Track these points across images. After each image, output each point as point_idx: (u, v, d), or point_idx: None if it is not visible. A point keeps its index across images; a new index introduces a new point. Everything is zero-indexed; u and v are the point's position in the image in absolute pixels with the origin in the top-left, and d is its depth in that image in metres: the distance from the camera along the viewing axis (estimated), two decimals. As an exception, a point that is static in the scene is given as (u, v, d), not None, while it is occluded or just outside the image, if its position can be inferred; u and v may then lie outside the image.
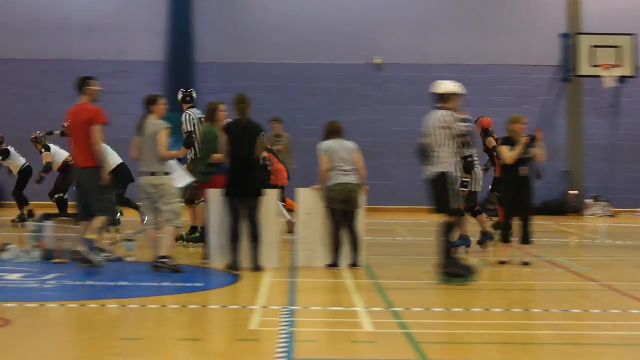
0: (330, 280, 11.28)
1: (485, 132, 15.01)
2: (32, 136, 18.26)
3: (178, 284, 10.62)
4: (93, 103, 11.97)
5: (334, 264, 11.95)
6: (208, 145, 12.41)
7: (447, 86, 11.14)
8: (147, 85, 21.14)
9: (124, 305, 9.23)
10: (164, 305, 9.36)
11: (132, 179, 16.86)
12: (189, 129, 14.19)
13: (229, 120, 12.29)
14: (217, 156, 12.34)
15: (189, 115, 14.43)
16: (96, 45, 24.23)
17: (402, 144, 23.00)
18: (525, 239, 12.45)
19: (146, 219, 11.67)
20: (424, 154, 10.97)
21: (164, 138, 11.43)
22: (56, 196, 17.66)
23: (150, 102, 11.67)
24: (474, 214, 14.11)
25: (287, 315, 8.61)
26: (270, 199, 11.95)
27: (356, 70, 24.27)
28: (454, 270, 10.78)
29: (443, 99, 11.07)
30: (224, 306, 9.44)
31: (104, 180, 11.76)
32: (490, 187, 15.25)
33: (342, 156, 12.00)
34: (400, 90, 23.88)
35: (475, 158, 13.93)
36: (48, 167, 17.95)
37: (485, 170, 15.20)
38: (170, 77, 23.41)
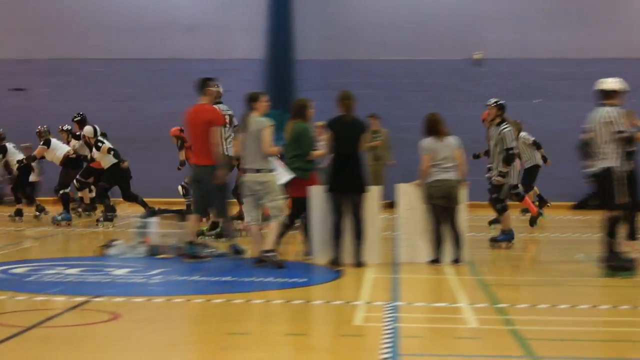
0: (432, 276, 11.24)
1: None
2: (37, 130, 18.65)
3: (281, 280, 10.69)
4: (213, 104, 12.18)
5: (436, 260, 11.90)
6: (304, 142, 12.38)
7: (612, 83, 11.10)
8: (247, 84, 21.26)
9: (229, 301, 9.32)
10: (268, 301, 9.45)
11: (130, 176, 17.69)
12: None
13: (333, 116, 12.29)
14: (317, 153, 12.39)
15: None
16: (198, 45, 24.57)
17: (503, 140, 22.75)
18: (632, 235, 12.24)
19: (250, 216, 11.74)
20: (587, 149, 10.96)
21: (268, 135, 11.53)
22: (61, 192, 18.00)
23: (253, 99, 11.78)
24: (503, 209, 14.02)
25: (391, 311, 8.60)
26: (373, 195, 11.95)
27: (455, 65, 24.12)
28: (618, 264, 10.79)
29: (608, 96, 11.02)
30: (327, 302, 9.47)
31: (219, 179, 11.90)
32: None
33: (444, 155, 11.93)
34: (500, 85, 23.60)
35: (517, 151, 14.08)
36: (31, 158, 18.51)
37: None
38: (270, 75, 23.56)
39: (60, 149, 18.31)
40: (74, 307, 8.78)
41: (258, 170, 11.54)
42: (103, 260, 12.27)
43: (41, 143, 18.26)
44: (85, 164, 17.94)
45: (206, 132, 11.93)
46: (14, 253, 13.54)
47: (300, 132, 12.26)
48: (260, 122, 11.63)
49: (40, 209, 18.66)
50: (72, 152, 18.13)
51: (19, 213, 18.57)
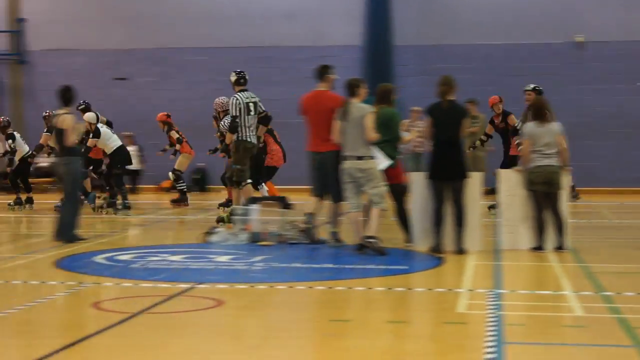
0: (535, 263, 11.11)
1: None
2: (44, 115, 18.90)
3: (382, 267, 10.68)
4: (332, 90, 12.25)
5: (538, 247, 11.76)
6: (393, 128, 12.27)
7: None
8: (345, 70, 21.22)
9: (330, 288, 9.35)
10: (370, 288, 9.45)
11: (130, 162, 18.08)
12: (235, 114, 14.36)
13: (432, 102, 12.20)
14: (408, 138, 12.30)
15: (236, 99, 14.45)
16: (296, 32, 24.70)
17: (607, 124, 22.39)
18: None
19: (351, 203, 11.74)
20: None
21: (370, 122, 11.51)
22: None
23: (353, 86, 11.77)
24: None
25: (494, 299, 8.53)
26: (474, 182, 11.85)
27: (557, 49, 23.79)
28: None
29: None
30: (429, 289, 9.43)
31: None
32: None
33: (545, 141, 11.76)
34: (603, 68, 23.22)
35: None
36: (39, 148, 18.76)
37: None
38: (368, 62, 23.55)
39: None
40: (179, 294, 8.90)
41: (360, 158, 11.52)
42: (206, 247, 12.43)
43: (45, 130, 18.48)
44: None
45: (329, 118, 11.98)
46: (118, 240, 13.80)
47: (389, 117, 12.13)
48: (362, 108, 11.62)
49: (19, 202, 18.99)
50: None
51: (19, 202, 19.01)
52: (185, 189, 19.40)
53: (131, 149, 24.15)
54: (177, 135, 19.32)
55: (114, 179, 17.66)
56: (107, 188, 17.91)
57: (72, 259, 11.38)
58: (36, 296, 8.89)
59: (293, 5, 24.78)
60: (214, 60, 24.91)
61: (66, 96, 12.94)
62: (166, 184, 24.64)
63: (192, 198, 22.15)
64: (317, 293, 9.25)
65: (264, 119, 14.83)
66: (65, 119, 12.73)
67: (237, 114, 14.33)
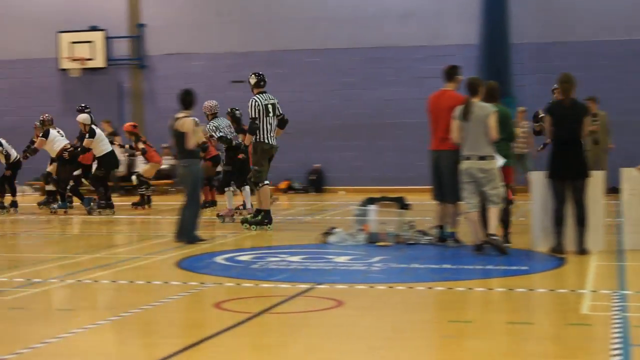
0: (661, 264, 10.85)
1: None
2: (41, 119, 19.17)
3: (502, 267, 10.56)
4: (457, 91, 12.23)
5: (664, 248, 11.48)
6: (508, 126, 12.07)
7: None
8: (462, 70, 21.18)
9: (450, 288, 9.30)
10: (490, 289, 9.37)
11: (117, 167, 19.10)
12: (254, 115, 14.46)
13: (552, 101, 12.03)
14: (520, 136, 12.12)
15: (255, 101, 14.56)
16: (411, 32, 24.62)
17: None
18: None
19: (469, 203, 11.62)
20: None
21: (494, 121, 11.38)
22: (68, 188, 18.68)
23: (475, 85, 11.67)
24: None
25: (618, 300, 8.35)
26: (596, 181, 11.62)
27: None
28: None
29: None
30: (551, 290, 9.29)
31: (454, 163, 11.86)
32: None
33: None
34: None
35: None
36: (33, 151, 19.11)
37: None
38: (485, 60, 23.34)
39: (58, 141, 18.98)
40: (299, 294, 8.96)
41: (482, 158, 11.39)
42: (323, 247, 12.48)
43: (40, 135, 18.97)
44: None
45: (446, 116, 11.93)
46: (237, 241, 13.96)
47: (505, 115, 11.99)
48: (485, 107, 11.50)
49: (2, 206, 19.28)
50: (68, 146, 18.79)
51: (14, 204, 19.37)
52: (148, 195, 19.86)
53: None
54: (143, 146, 19.95)
55: (93, 178, 18.51)
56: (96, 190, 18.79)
57: (194, 259, 11.56)
58: (159, 296, 9.07)
59: (408, 5, 24.72)
60: (329, 62, 25.02)
61: (186, 100, 13.16)
62: (283, 184, 24.88)
63: (309, 198, 22.39)
64: (437, 294, 9.21)
65: (281, 122, 14.85)
66: (185, 122, 12.94)
67: (256, 115, 14.51)
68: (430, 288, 9.41)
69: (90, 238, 15.30)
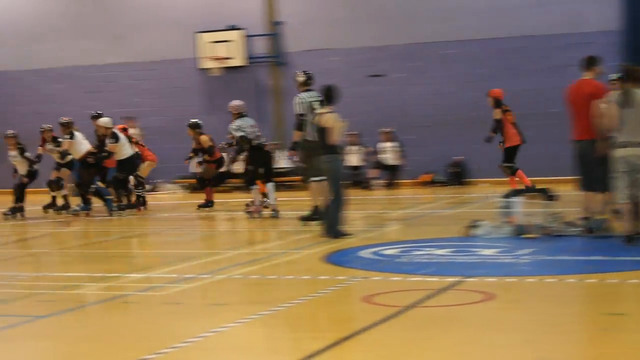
0: None
1: (497, 103, 17.68)
2: (65, 121, 18.93)
3: (656, 259, 10.32)
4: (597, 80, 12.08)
5: None
6: None
7: None
8: (603, 57, 20.76)
9: (602, 280, 9.12)
10: (644, 281, 9.16)
11: (135, 171, 19.08)
12: (300, 112, 14.61)
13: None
14: None
15: (299, 98, 14.80)
16: (549, 20, 24.21)
17: None
18: None
19: (623, 192, 11.31)
20: None
21: None
22: (91, 190, 18.66)
23: (632, 72, 11.37)
24: None
25: None
26: None
27: None
28: None
29: None
30: None
31: (599, 152, 11.63)
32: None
33: None
34: None
35: None
36: (64, 154, 19.07)
37: (488, 140, 17.98)
38: (627, 46, 22.77)
39: (83, 144, 18.98)
40: (448, 288, 8.93)
41: None
42: (469, 240, 12.40)
43: (66, 136, 18.86)
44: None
45: (587, 105, 11.77)
46: (382, 235, 13.99)
47: None
48: None
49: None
50: (92, 149, 18.85)
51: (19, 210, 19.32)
52: (144, 196, 19.72)
53: (390, 145, 24.55)
54: (137, 149, 19.79)
55: (114, 180, 18.76)
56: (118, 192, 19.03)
57: (340, 254, 11.64)
58: (309, 291, 9.17)
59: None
60: (467, 53, 24.81)
61: (329, 95, 13.27)
62: (425, 178, 24.80)
63: (451, 191, 22.28)
64: (588, 286, 9.05)
65: None
66: (329, 117, 13.04)
67: (302, 112, 14.63)
68: (581, 280, 9.25)
69: (233, 235, 15.57)
